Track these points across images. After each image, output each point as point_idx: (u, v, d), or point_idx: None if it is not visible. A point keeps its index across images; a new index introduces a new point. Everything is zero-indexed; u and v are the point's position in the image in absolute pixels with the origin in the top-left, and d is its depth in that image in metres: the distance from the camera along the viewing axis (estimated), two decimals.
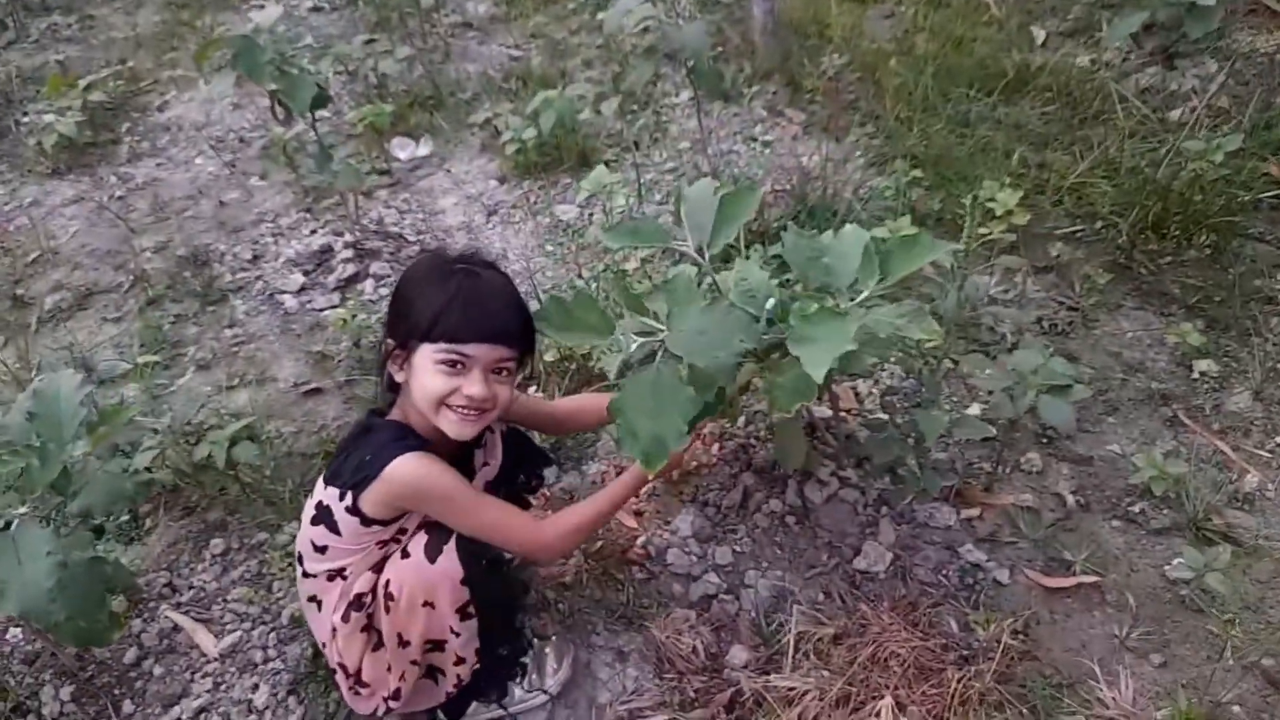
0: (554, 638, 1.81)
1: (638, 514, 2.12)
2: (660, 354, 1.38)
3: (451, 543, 1.47)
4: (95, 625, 1.54)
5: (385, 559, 1.51)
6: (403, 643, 1.51)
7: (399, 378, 1.51)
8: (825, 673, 1.70)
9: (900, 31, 4.16)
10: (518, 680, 1.73)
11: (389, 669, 1.55)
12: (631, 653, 1.82)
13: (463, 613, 1.50)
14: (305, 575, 1.55)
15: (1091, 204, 2.91)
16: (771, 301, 1.51)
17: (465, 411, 1.45)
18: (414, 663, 1.55)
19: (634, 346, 1.39)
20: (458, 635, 1.52)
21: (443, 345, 1.41)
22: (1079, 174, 2.97)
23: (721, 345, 1.35)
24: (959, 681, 1.63)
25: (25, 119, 4.28)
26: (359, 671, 1.56)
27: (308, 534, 1.52)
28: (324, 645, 1.61)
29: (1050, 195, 2.96)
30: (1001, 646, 1.70)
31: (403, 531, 1.51)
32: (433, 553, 1.46)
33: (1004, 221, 2.40)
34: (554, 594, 1.94)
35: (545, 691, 1.73)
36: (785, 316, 1.44)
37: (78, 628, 1.54)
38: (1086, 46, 3.91)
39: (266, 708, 1.78)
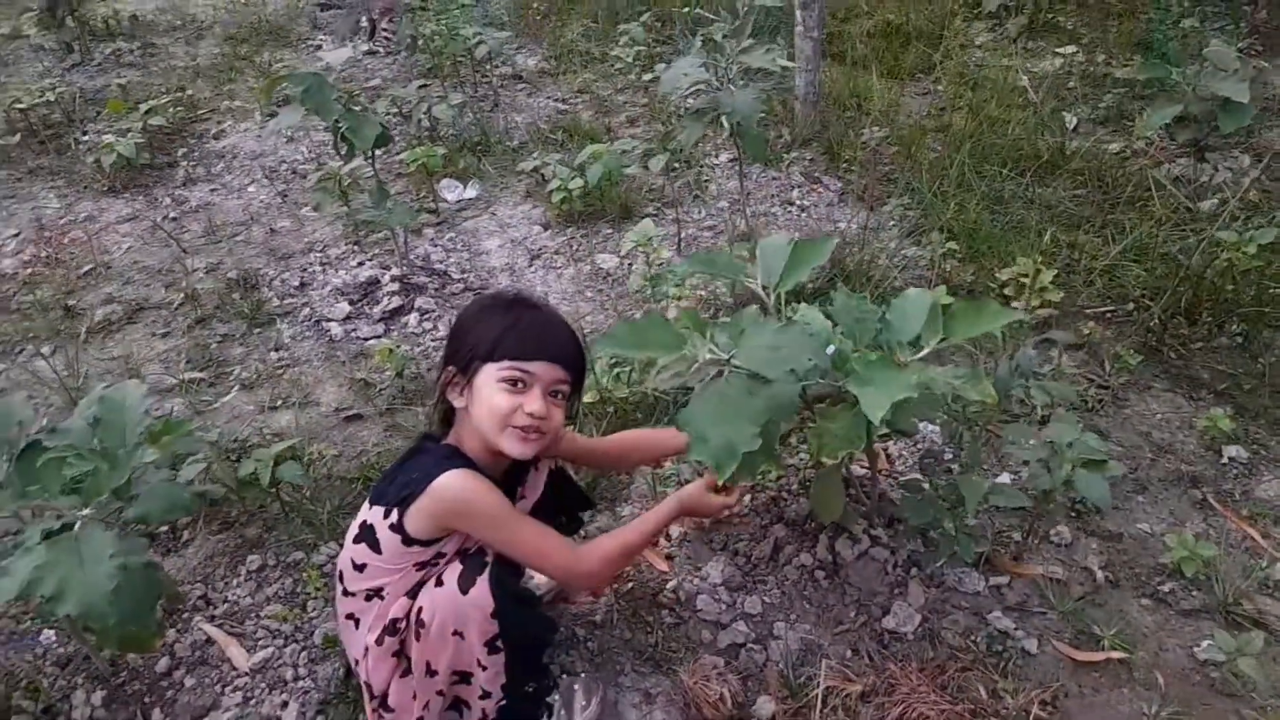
0: (584, 675, 1.83)
1: (669, 558, 2.15)
2: (728, 371, 1.43)
3: (485, 575, 1.49)
4: (144, 631, 1.57)
5: (421, 584, 1.54)
6: (430, 671, 1.53)
7: (458, 403, 1.58)
8: None
9: (936, 109, 4.28)
10: (545, 718, 1.75)
11: (414, 696, 1.57)
12: (659, 695, 1.84)
13: (490, 646, 1.52)
14: (345, 594, 1.59)
15: (1123, 286, 2.97)
16: (832, 347, 1.56)
17: (526, 431, 1.52)
18: (440, 693, 1.56)
19: (705, 357, 1.44)
20: (484, 669, 1.54)
21: (506, 363, 1.50)
22: (1111, 257, 3.04)
23: (794, 361, 1.39)
24: None
25: (85, 138, 4.43)
26: (385, 695, 1.59)
27: (349, 552, 1.56)
28: (356, 663, 1.63)
29: (1082, 276, 3.02)
30: (1031, 717, 1.70)
31: (440, 556, 1.54)
32: (465, 584, 1.48)
33: (1039, 297, 2.47)
34: (584, 632, 1.96)
35: None
36: (842, 365, 1.49)
37: (126, 632, 1.57)
38: (1117, 134, 4.02)
39: None
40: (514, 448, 1.53)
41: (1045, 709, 1.74)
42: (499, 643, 1.52)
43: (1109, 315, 2.88)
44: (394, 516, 1.48)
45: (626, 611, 2.00)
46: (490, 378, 1.51)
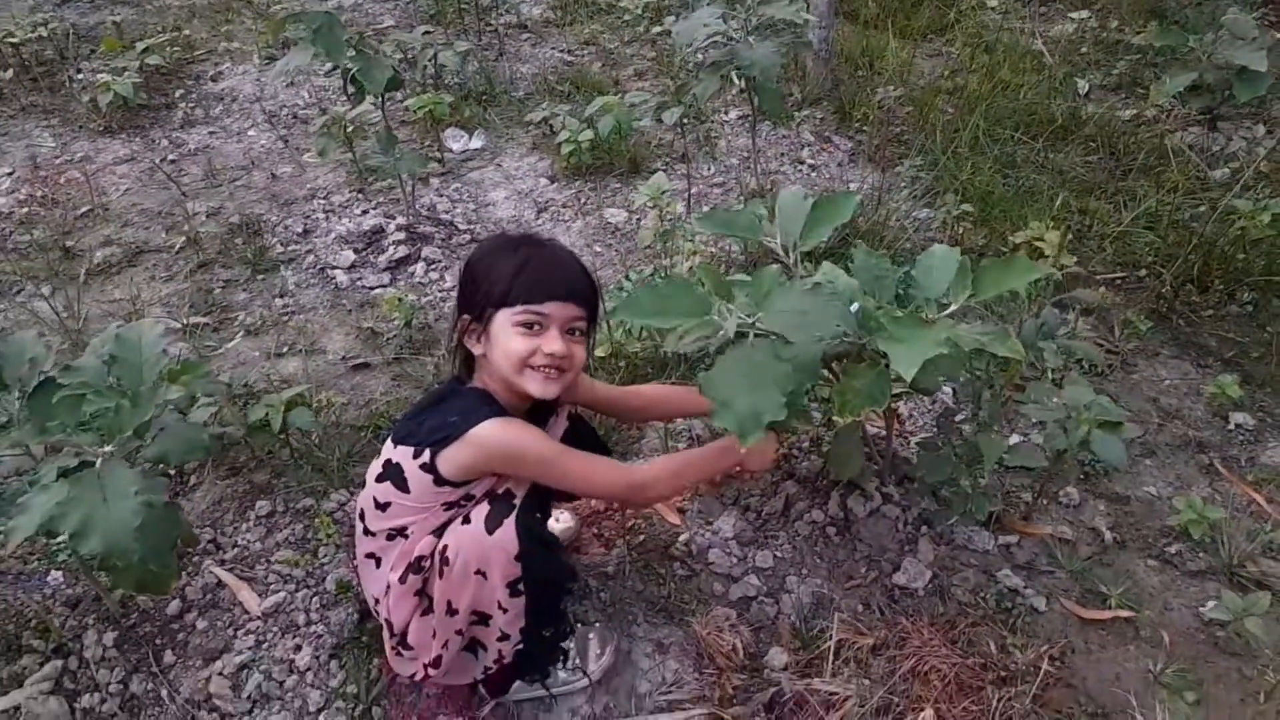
0: (598, 624, 1.84)
1: (680, 511, 2.15)
2: (752, 335, 1.41)
3: (512, 517, 1.49)
4: (163, 571, 1.56)
5: (447, 524, 1.54)
6: (450, 610, 1.53)
7: (476, 350, 1.57)
8: (866, 681, 1.73)
9: (949, 70, 4.23)
10: (560, 664, 1.76)
11: (434, 635, 1.57)
12: (672, 646, 1.85)
13: (512, 588, 1.52)
14: (365, 532, 1.58)
15: (1134, 252, 2.97)
16: (856, 305, 1.55)
17: (547, 370, 1.52)
18: (458, 632, 1.57)
19: (732, 325, 1.41)
20: (504, 611, 1.54)
21: (520, 307, 1.49)
22: (1123, 223, 3.03)
23: (821, 326, 1.37)
24: (999, 701, 1.66)
25: (79, 76, 4.32)
26: (405, 633, 1.59)
27: (371, 491, 1.55)
28: (375, 602, 1.63)
29: (1094, 241, 3.02)
30: (1041, 672, 1.73)
31: (469, 497, 1.53)
32: (492, 525, 1.48)
33: (1057, 262, 2.46)
34: (597, 582, 1.96)
35: (587, 675, 1.75)
36: (867, 323, 1.47)
37: (147, 572, 1.56)
38: (1129, 101, 3.99)
39: (308, 669, 1.80)
40: (536, 388, 1.52)
41: (1053, 664, 1.77)
42: (520, 585, 1.53)
43: (1120, 281, 2.89)
44: (425, 456, 1.47)
45: (639, 563, 2.01)
46: (505, 323, 1.50)
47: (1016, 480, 2.20)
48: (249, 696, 1.75)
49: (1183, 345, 2.67)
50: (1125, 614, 1.89)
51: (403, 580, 1.54)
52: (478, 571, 1.49)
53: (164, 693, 1.76)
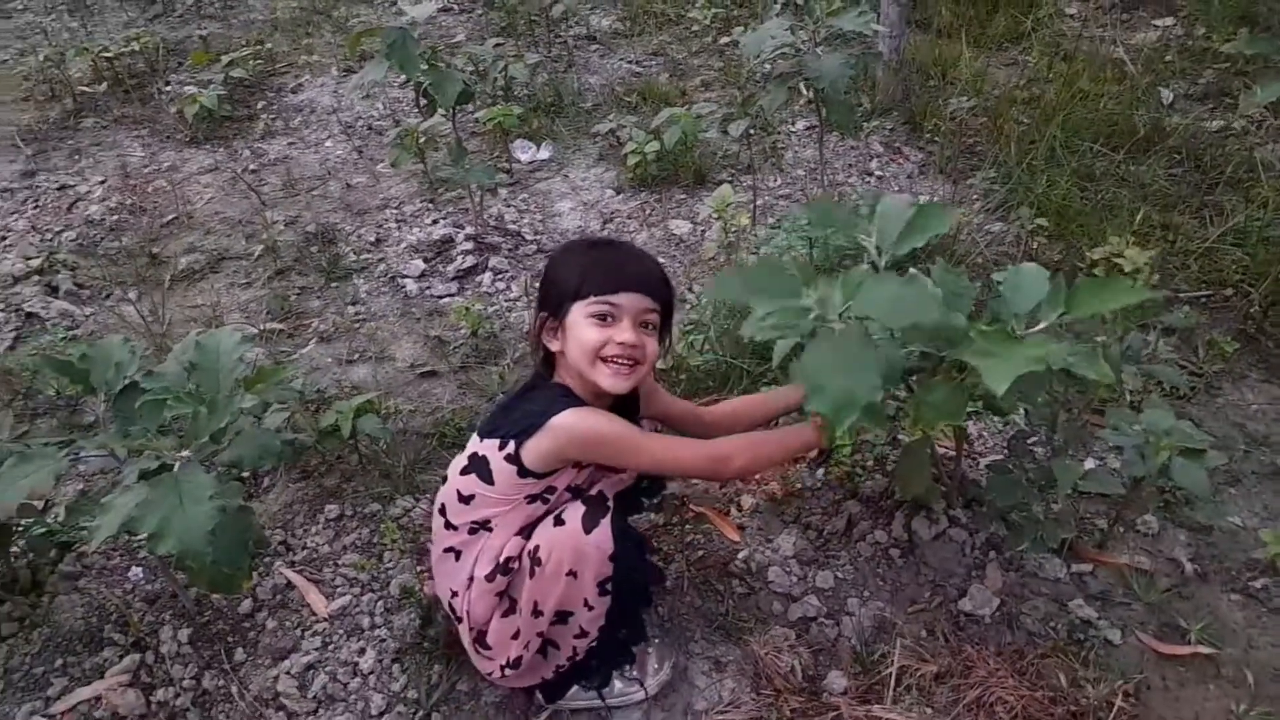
0: (657, 641, 1.83)
1: (740, 529, 2.14)
2: (844, 323, 1.38)
3: (608, 518, 1.53)
4: (236, 572, 1.61)
5: (530, 522, 1.57)
6: (536, 611, 1.55)
7: (554, 347, 1.61)
8: (928, 709, 1.69)
9: (1025, 80, 4.13)
10: (620, 673, 1.76)
11: (515, 636, 1.59)
12: (729, 664, 1.84)
13: (601, 588, 1.55)
14: (447, 526, 1.61)
15: (1220, 270, 2.85)
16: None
17: (619, 363, 1.54)
18: (539, 634, 1.59)
19: (823, 308, 1.37)
20: (590, 609, 1.57)
21: (592, 298, 1.53)
22: (1210, 240, 2.91)
23: (918, 314, 1.32)
24: None
25: (168, 88, 4.51)
26: (484, 633, 1.62)
27: (455, 484, 1.59)
28: (452, 595, 1.65)
29: (1178, 258, 2.91)
30: (1114, 709, 1.66)
31: (551, 489, 1.57)
32: (589, 524, 1.52)
33: (1141, 280, 2.38)
34: (651, 610, 1.96)
35: (643, 688, 1.75)
36: (951, 335, 1.44)
37: (220, 573, 1.61)
38: (1216, 112, 3.84)
39: (371, 672, 1.83)
40: (609, 382, 1.54)
41: (1128, 700, 1.70)
42: (609, 585, 1.55)
43: (1205, 300, 2.77)
44: (510, 448, 1.51)
45: (697, 579, 2.00)
46: (580, 315, 1.54)
47: (1092, 507, 2.13)
48: (314, 696, 1.79)
49: (1272, 368, 2.55)
50: (1206, 650, 1.81)
51: (490, 579, 1.57)
52: (570, 572, 1.52)
53: (234, 689, 1.81)
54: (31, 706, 1.76)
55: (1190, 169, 3.40)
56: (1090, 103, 3.78)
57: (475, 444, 1.58)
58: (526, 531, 1.56)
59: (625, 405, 1.71)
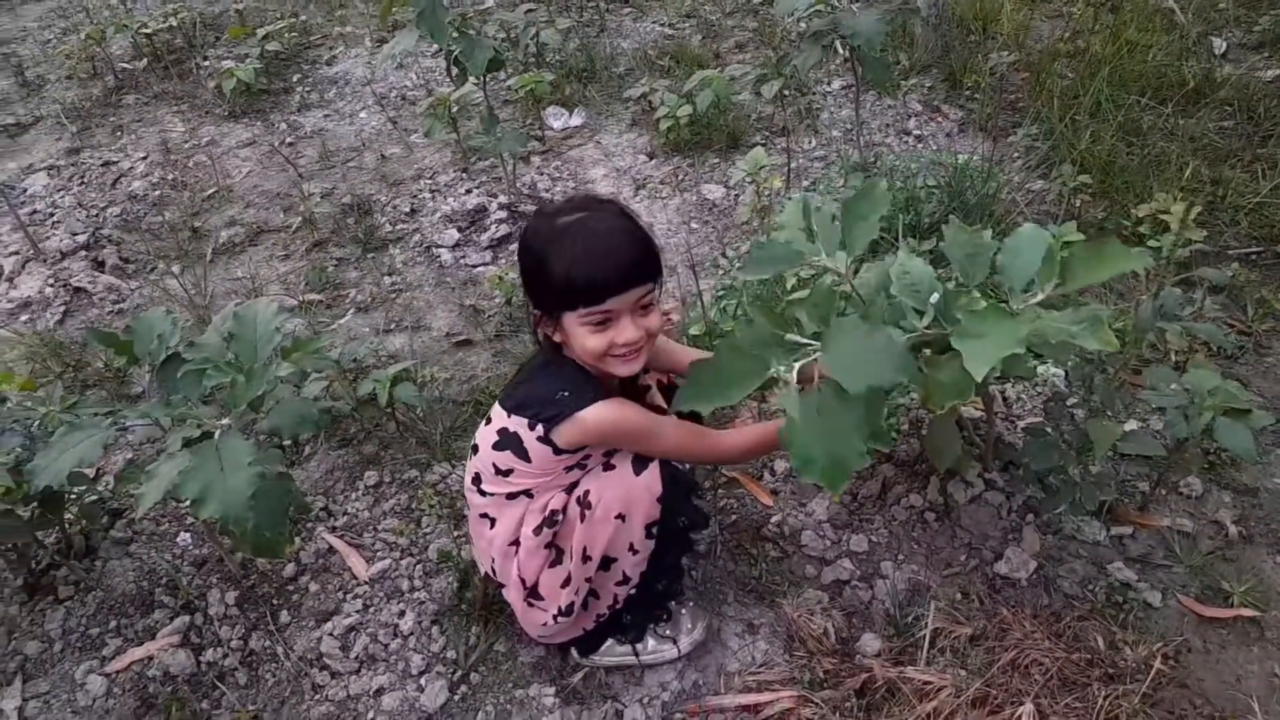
0: (691, 602, 1.85)
1: (773, 493, 2.14)
2: (817, 376, 1.37)
3: (656, 461, 1.57)
4: (278, 537, 1.66)
5: (572, 482, 1.59)
6: (585, 557, 1.58)
7: (556, 338, 1.56)
8: (963, 671, 1.69)
9: (1070, 33, 4.00)
10: (655, 627, 1.78)
11: (565, 583, 1.62)
12: (762, 627, 1.85)
13: (648, 530, 1.58)
14: (481, 494, 1.63)
15: (1272, 226, 2.75)
16: (936, 296, 1.50)
17: (627, 353, 1.52)
18: (588, 579, 1.62)
19: (792, 374, 1.38)
20: (634, 553, 1.60)
21: (583, 310, 1.45)
22: (1261, 194, 2.81)
23: (879, 372, 1.32)
24: (1106, 699, 1.59)
25: (205, 63, 4.55)
26: (535, 585, 1.64)
27: (489, 457, 1.58)
28: (491, 561, 1.68)
29: (1228, 214, 2.82)
30: (1153, 670, 1.65)
31: (588, 457, 1.58)
32: (639, 467, 1.56)
33: (1182, 236, 2.31)
34: (688, 561, 1.97)
35: (677, 645, 1.77)
36: (949, 311, 1.42)
37: (262, 537, 1.66)
38: (1272, 60, 3.69)
39: (411, 633, 1.88)
40: (621, 369, 1.54)
41: (1167, 663, 1.68)
42: (654, 529, 1.59)
43: (1255, 257, 2.68)
44: (540, 430, 1.52)
45: (730, 544, 2.01)
46: (574, 324, 1.48)
47: (1133, 469, 2.09)
48: (356, 657, 1.84)
49: None
50: (1249, 613, 1.78)
51: (536, 533, 1.59)
52: (618, 515, 1.55)
53: (279, 650, 1.87)
54: (88, 665, 1.84)
55: (1242, 121, 3.28)
56: (1138, 54, 3.65)
57: (502, 417, 1.57)
58: (569, 487, 1.59)
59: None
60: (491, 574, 1.72)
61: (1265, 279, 2.61)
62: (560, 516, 1.58)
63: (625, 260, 1.45)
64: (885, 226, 2.37)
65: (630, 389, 1.70)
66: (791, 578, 1.94)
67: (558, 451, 1.53)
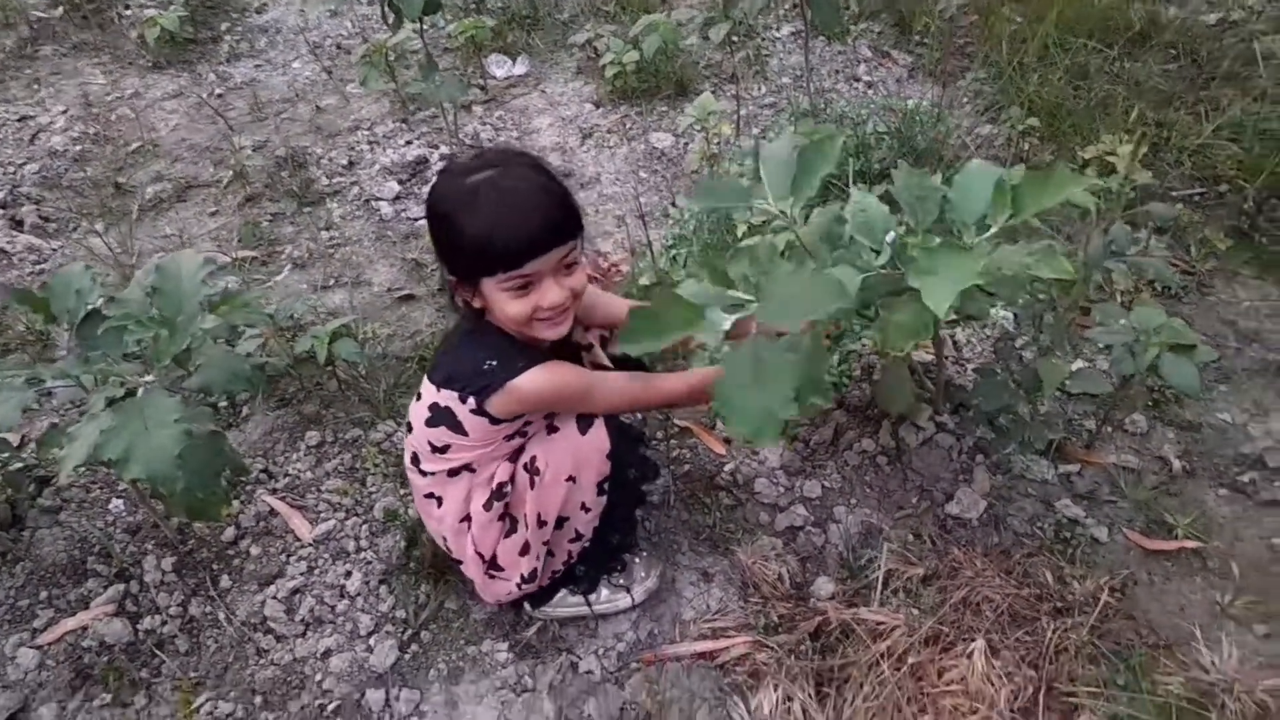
0: (644, 552, 1.82)
1: (726, 441, 2.12)
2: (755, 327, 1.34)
3: (599, 419, 1.52)
4: (211, 498, 1.59)
5: (515, 450, 1.54)
6: (540, 522, 1.55)
7: (476, 304, 1.47)
8: (915, 611, 1.70)
9: None
10: (610, 578, 1.76)
11: (524, 551, 1.59)
12: (717, 574, 1.83)
13: (599, 488, 1.55)
14: (422, 474, 1.58)
15: (1214, 167, 2.78)
16: (892, 234, 1.47)
17: (552, 316, 1.44)
18: (545, 543, 1.59)
19: (727, 324, 1.34)
20: (586, 511, 1.57)
21: (502, 275, 1.36)
22: (1204, 135, 2.84)
23: (816, 309, 1.27)
24: (1055, 632, 1.61)
25: (127, 11, 4.33)
26: (494, 558, 1.60)
27: (424, 435, 1.52)
28: (444, 539, 1.64)
29: (1172, 155, 2.83)
30: (1100, 603, 1.67)
31: (528, 424, 1.53)
32: (584, 425, 1.51)
33: (1126, 178, 2.31)
34: (641, 512, 1.94)
35: (630, 594, 1.74)
36: (904, 251, 1.39)
37: (194, 499, 1.59)
38: (1214, 5, 3.70)
39: (359, 594, 1.83)
40: (549, 333, 1.46)
41: (1114, 595, 1.71)
42: (605, 485, 1.55)
43: (1198, 198, 2.71)
44: (472, 403, 1.45)
45: (684, 493, 1.99)
46: (494, 290, 1.39)
47: (1079, 408, 2.11)
48: (302, 620, 1.79)
49: (1265, 265, 2.50)
50: (1192, 544, 1.81)
51: (487, 508, 1.55)
52: (569, 478, 1.51)
53: (221, 615, 1.81)
54: (19, 638, 1.76)
55: (1186, 64, 3.30)
56: None
57: (431, 391, 1.49)
58: (513, 456, 1.54)
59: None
60: (448, 553, 1.67)
61: (1208, 219, 2.64)
62: (509, 487, 1.54)
63: (543, 220, 1.35)
64: (835, 174, 2.33)
65: (564, 349, 1.61)
66: (745, 525, 1.92)
67: (495, 422, 1.47)
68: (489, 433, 1.49)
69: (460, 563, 1.65)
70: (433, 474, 1.55)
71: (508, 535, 1.58)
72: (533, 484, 1.51)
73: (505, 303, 1.39)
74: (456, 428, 1.48)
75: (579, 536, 1.61)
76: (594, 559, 1.70)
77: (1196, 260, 2.49)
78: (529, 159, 1.44)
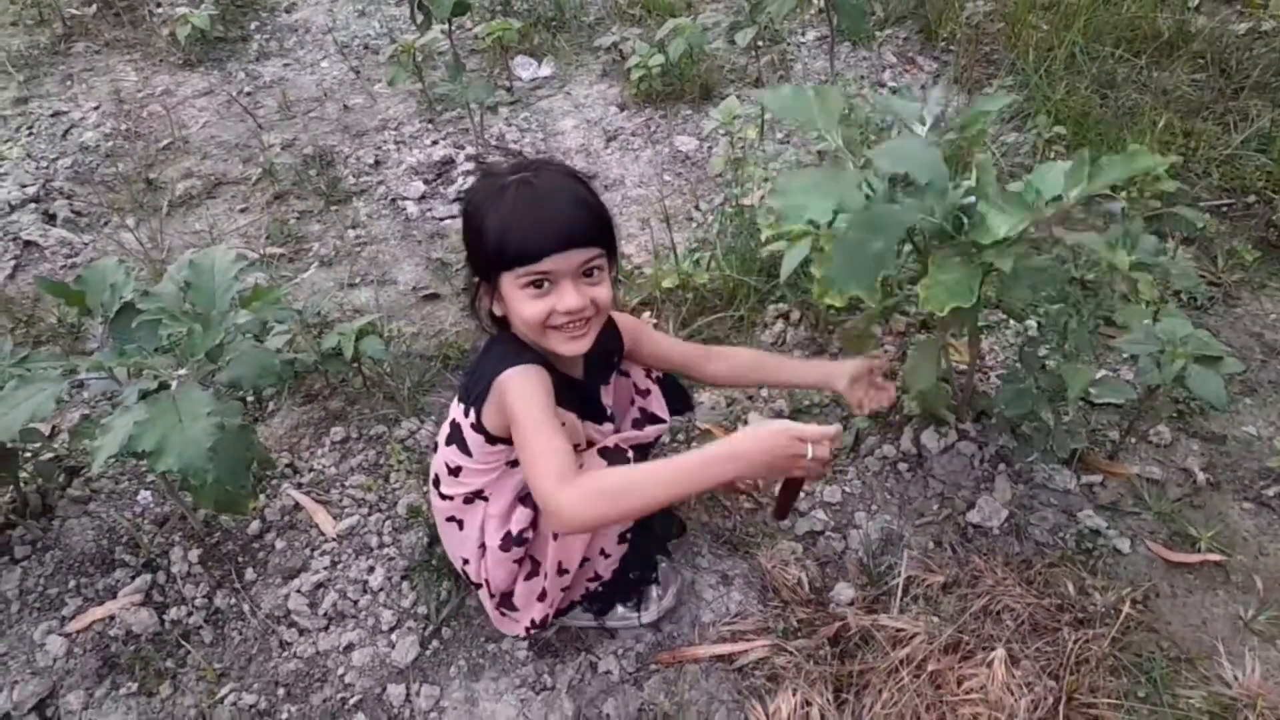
0: (663, 565, 1.80)
1: None
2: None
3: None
4: (239, 491, 1.61)
5: (526, 489, 1.49)
6: (561, 571, 1.54)
7: (498, 311, 1.45)
8: (935, 618, 1.70)
9: None
10: (628, 603, 1.76)
11: (541, 597, 1.57)
12: (736, 578, 1.84)
13: (620, 537, 1.55)
14: (442, 497, 1.57)
15: (1243, 177, 2.76)
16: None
17: (570, 327, 1.38)
18: (565, 589, 1.59)
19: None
20: (606, 556, 1.57)
21: (518, 270, 1.33)
22: (1232, 146, 2.82)
23: (918, 165, 1.43)
24: (1076, 643, 1.61)
25: (159, 9, 4.38)
26: (509, 595, 1.59)
27: (443, 455, 1.53)
28: (465, 563, 1.62)
29: (1200, 165, 2.81)
30: (1122, 615, 1.66)
31: None
32: None
33: (1151, 188, 2.30)
34: (662, 560, 1.94)
35: (641, 615, 1.74)
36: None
37: (223, 491, 1.61)
38: (1244, 14, 3.67)
39: (381, 589, 1.85)
40: (565, 347, 1.39)
41: (1135, 607, 1.70)
42: (628, 534, 1.55)
43: (1226, 209, 2.69)
44: (473, 416, 1.44)
45: (704, 497, 1.99)
46: (512, 287, 1.35)
47: (1103, 418, 2.10)
48: (324, 614, 1.81)
49: None
50: (1215, 558, 1.80)
51: (504, 549, 1.52)
52: None
53: (246, 608, 1.83)
54: (47, 625, 1.79)
55: (1215, 74, 3.27)
56: (1112, 6, 3.62)
57: (454, 409, 1.49)
58: (526, 498, 1.51)
59: (606, 346, 1.59)
60: (465, 576, 1.66)
61: (1235, 230, 2.62)
62: (530, 534, 1.52)
63: (566, 217, 1.33)
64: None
65: (596, 377, 1.60)
66: (765, 529, 1.93)
67: (491, 441, 1.43)
68: (487, 454, 1.46)
69: (478, 587, 1.65)
70: (451, 498, 1.55)
71: (528, 578, 1.56)
72: (556, 535, 1.50)
73: (522, 303, 1.35)
74: (463, 446, 1.47)
75: (597, 577, 1.61)
76: (609, 592, 1.69)
77: (1223, 271, 2.48)
78: (566, 169, 1.44)
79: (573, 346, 1.40)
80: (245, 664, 1.74)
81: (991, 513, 1.90)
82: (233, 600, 1.85)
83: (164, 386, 1.55)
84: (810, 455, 1.24)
